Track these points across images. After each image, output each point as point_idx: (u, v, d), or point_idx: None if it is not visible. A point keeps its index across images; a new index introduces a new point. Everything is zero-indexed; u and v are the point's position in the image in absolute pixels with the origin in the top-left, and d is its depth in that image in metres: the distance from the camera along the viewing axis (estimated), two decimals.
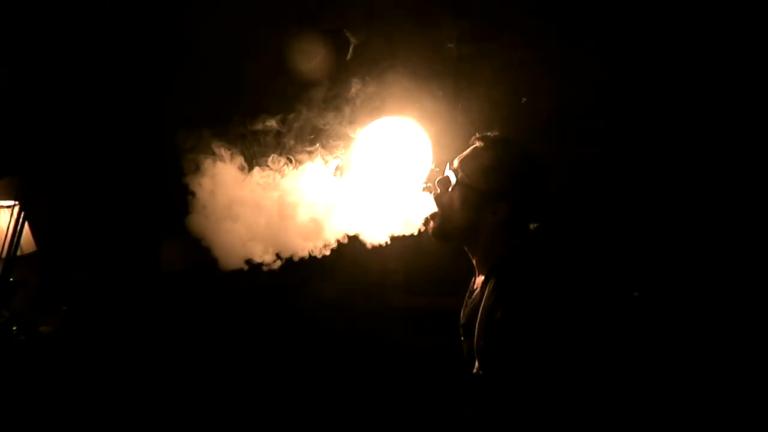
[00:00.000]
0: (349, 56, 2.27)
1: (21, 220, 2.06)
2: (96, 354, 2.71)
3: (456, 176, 1.38)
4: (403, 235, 1.42)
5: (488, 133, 1.39)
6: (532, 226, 1.38)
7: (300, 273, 2.87)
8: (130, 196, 2.94)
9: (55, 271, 2.93)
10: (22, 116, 2.75)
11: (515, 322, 1.25)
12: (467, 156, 1.39)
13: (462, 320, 1.42)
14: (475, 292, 1.39)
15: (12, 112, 2.74)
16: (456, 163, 1.40)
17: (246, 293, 2.91)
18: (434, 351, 2.61)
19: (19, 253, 2.42)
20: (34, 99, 2.75)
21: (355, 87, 1.58)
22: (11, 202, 2.60)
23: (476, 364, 1.33)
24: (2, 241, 2.23)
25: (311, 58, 2.52)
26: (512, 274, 1.31)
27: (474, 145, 1.40)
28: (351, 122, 1.51)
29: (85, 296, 2.87)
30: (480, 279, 1.39)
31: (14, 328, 2.55)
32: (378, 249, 2.65)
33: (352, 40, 2.30)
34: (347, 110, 1.54)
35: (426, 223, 1.42)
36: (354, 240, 1.42)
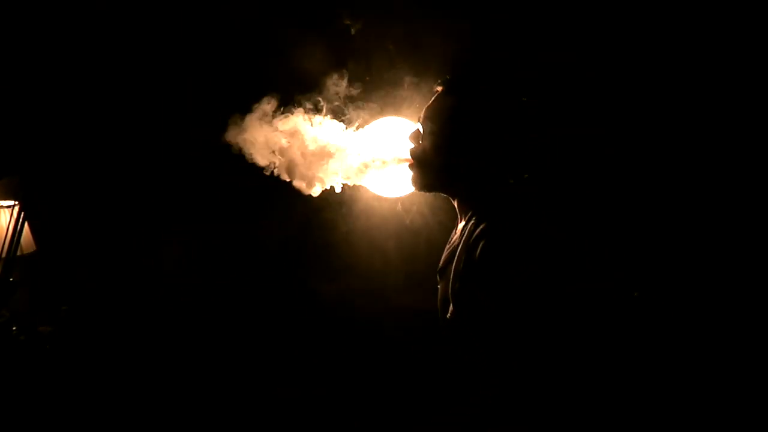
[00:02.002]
0: (354, 30, 2.28)
1: (21, 220, 2.07)
2: (96, 354, 2.71)
3: (424, 127, 1.37)
4: (404, 232, 1.44)
5: (448, 77, 1.36)
6: (524, 176, 1.34)
7: (300, 274, 2.88)
8: (131, 195, 2.94)
9: (55, 271, 2.93)
10: (22, 116, 2.75)
11: (496, 260, 1.19)
12: (431, 104, 1.38)
13: (440, 265, 1.39)
14: (455, 236, 1.36)
15: (12, 112, 2.74)
16: (422, 113, 1.39)
17: (246, 294, 2.91)
18: (435, 351, 2.61)
19: (19, 253, 2.42)
20: (34, 99, 2.75)
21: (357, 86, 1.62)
22: (11, 202, 2.60)
23: (450, 308, 1.28)
24: (2, 241, 2.24)
25: (311, 55, 2.52)
26: (497, 215, 1.26)
27: (436, 92, 1.38)
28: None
29: (87, 294, 2.87)
30: (461, 224, 1.36)
31: (14, 328, 2.56)
32: (378, 248, 2.66)
33: (349, 22, 2.31)
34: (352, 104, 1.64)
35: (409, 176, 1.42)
36: (354, 241, 1.43)
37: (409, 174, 1.41)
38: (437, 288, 1.38)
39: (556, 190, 2.05)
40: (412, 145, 1.41)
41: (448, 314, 1.28)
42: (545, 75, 2.24)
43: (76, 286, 2.90)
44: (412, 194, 2.21)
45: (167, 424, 2.58)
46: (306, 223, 2.74)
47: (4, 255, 2.19)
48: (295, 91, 1.62)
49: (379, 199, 2.43)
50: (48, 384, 2.49)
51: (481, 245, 1.20)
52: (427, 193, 1.45)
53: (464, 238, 1.27)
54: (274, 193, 2.73)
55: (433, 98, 1.38)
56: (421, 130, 1.38)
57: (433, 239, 2.40)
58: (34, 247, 2.69)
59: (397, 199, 2.43)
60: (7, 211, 2.58)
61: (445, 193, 1.41)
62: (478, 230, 1.23)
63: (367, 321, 2.80)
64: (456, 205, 1.39)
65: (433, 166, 1.36)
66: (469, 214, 1.32)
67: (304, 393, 2.69)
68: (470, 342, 1.25)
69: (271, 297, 2.92)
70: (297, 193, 1.60)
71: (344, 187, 1.63)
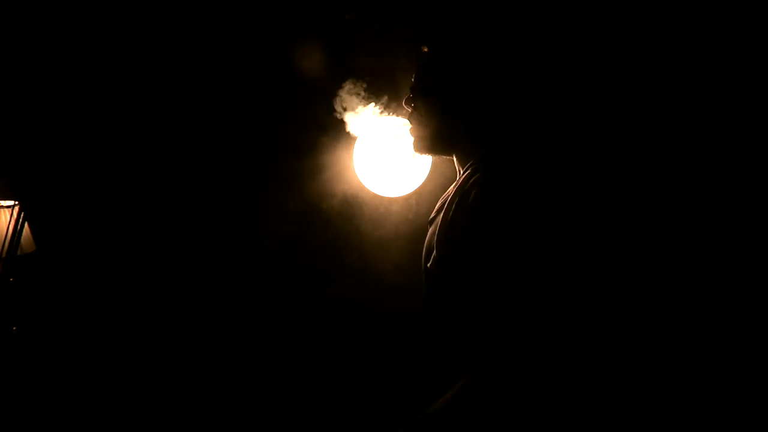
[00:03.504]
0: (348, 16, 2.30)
1: (21, 220, 2.07)
2: (96, 354, 2.71)
3: (416, 89, 1.38)
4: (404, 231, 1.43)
5: (434, 37, 1.37)
6: (523, 127, 1.34)
7: (301, 276, 2.87)
8: (130, 195, 2.94)
9: (55, 271, 2.92)
10: (21, 116, 2.75)
11: (487, 207, 1.15)
12: (419, 66, 1.39)
13: (431, 215, 1.37)
14: (450, 188, 1.35)
15: (11, 112, 2.74)
16: (413, 77, 1.40)
17: (248, 296, 2.91)
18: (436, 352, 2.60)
19: (19, 253, 2.42)
20: (33, 99, 2.75)
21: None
22: (11, 202, 2.60)
23: (433, 255, 1.24)
24: (2, 241, 2.24)
25: (312, 55, 2.52)
26: (493, 165, 1.23)
27: (423, 53, 1.38)
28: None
29: (87, 293, 2.86)
30: (458, 178, 1.35)
31: (14, 328, 2.56)
32: (379, 248, 2.66)
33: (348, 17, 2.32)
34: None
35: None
36: (355, 241, 1.43)
37: (410, 139, 1.41)
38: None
39: (554, 141, 2.01)
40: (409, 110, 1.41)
41: (430, 262, 1.25)
42: (533, 30, 2.21)
43: (76, 286, 2.90)
44: (411, 194, 2.22)
45: (167, 425, 2.58)
46: (306, 224, 2.74)
47: (4, 255, 2.19)
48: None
49: (378, 198, 2.44)
50: (48, 384, 2.49)
51: (473, 193, 1.18)
52: (425, 191, 1.45)
53: (458, 187, 1.26)
54: (274, 193, 2.74)
55: (421, 60, 1.39)
56: (413, 94, 1.38)
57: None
58: (34, 247, 2.68)
59: (396, 199, 2.44)
60: (7, 211, 2.58)
61: (444, 154, 1.41)
62: (472, 179, 1.22)
63: (367, 321, 2.80)
64: (455, 161, 1.39)
65: (427, 127, 1.36)
66: (466, 166, 1.31)
67: (304, 394, 2.69)
68: (447, 294, 1.21)
69: (271, 298, 2.92)
70: (297, 193, 1.61)
71: (345, 187, 1.66)
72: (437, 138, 1.36)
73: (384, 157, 1.98)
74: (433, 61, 1.35)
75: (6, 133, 2.76)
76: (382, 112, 1.88)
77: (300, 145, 2.55)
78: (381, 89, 1.97)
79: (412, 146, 1.41)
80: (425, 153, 1.42)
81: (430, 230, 1.32)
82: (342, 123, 2.03)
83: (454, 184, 1.33)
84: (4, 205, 2.61)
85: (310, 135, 2.50)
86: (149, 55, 2.74)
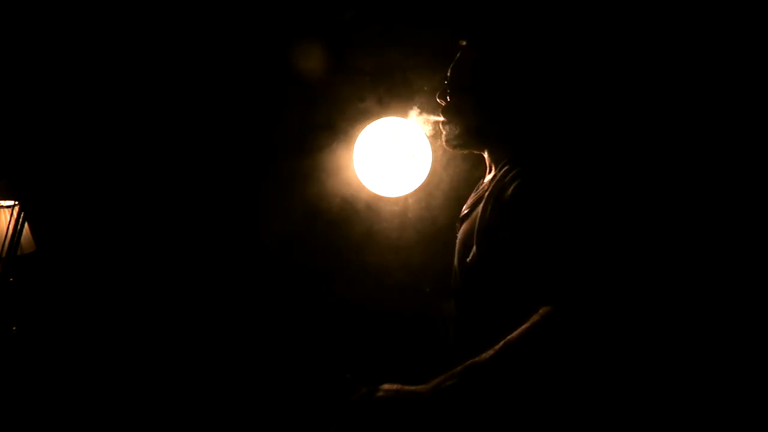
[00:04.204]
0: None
1: (21, 220, 2.07)
2: (95, 354, 2.71)
3: (452, 84, 1.37)
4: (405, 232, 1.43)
5: (472, 32, 1.37)
6: (555, 123, 1.34)
7: (302, 276, 2.87)
8: (131, 195, 2.94)
9: (55, 271, 2.92)
10: (21, 116, 2.75)
11: (528, 199, 1.14)
12: (456, 60, 1.38)
13: (463, 212, 1.36)
14: (483, 184, 1.34)
15: (11, 112, 2.74)
16: (449, 71, 1.39)
17: (248, 296, 2.91)
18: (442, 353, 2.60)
19: (19, 253, 2.42)
20: (33, 99, 2.74)
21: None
22: (11, 202, 2.60)
23: (473, 250, 1.23)
24: (2, 241, 2.24)
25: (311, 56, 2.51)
26: (529, 160, 1.22)
27: (461, 47, 1.38)
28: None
29: (87, 294, 2.86)
30: (491, 174, 1.33)
31: (14, 328, 2.55)
32: (379, 248, 2.65)
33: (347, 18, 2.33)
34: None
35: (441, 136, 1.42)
36: (356, 242, 1.43)
37: (442, 133, 1.41)
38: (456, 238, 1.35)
39: (586, 135, 2.00)
40: (443, 104, 1.40)
41: (469, 257, 1.24)
42: (567, 27, 2.19)
43: (76, 286, 2.90)
44: (411, 194, 2.21)
45: (167, 425, 2.58)
46: (306, 224, 2.73)
47: (4, 255, 2.19)
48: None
49: (378, 198, 2.44)
50: (48, 384, 2.49)
51: (513, 186, 1.18)
52: (425, 191, 1.44)
53: (494, 182, 1.25)
54: (274, 193, 2.74)
55: (458, 54, 1.38)
56: (449, 89, 1.37)
57: (435, 237, 2.40)
58: (34, 247, 2.68)
59: (396, 199, 2.44)
60: (7, 211, 2.58)
61: (476, 149, 1.40)
62: (510, 174, 1.22)
63: (367, 321, 2.80)
64: (486, 157, 1.38)
65: (464, 121, 1.35)
66: (502, 163, 1.30)
67: (305, 395, 2.68)
68: (488, 287, 1.20)
69: (271, 299, 2.91)
70: (297, 193, 1.60)
71: (345, 188, 1.66)
72: (472, 133, 1.35)
73: (384, 157, 1.98)
74: (472, 57, 1.34)
75: (6, 133, 2.75)
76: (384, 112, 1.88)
77: (300, 145, 2.55)
78: (379, 89, 1.97)
79: (444, 141, 1.40)
80: (458, 148, 1.41)
81: (465, 226, 1.31)
82: (342, 123, 2.04)
83: (489, 179, 1.33)
84: (4, 205, 2.61)
85: (310, 135, 2.50)
86: (149, 56, 2.74)
